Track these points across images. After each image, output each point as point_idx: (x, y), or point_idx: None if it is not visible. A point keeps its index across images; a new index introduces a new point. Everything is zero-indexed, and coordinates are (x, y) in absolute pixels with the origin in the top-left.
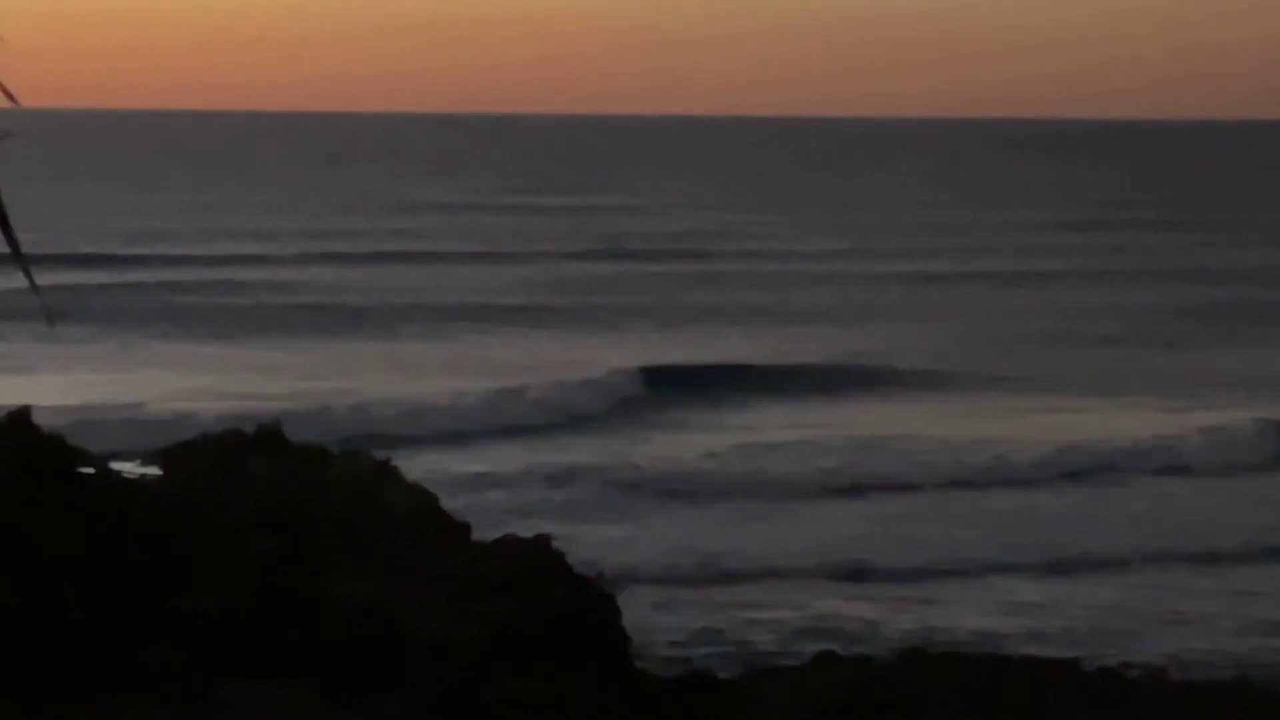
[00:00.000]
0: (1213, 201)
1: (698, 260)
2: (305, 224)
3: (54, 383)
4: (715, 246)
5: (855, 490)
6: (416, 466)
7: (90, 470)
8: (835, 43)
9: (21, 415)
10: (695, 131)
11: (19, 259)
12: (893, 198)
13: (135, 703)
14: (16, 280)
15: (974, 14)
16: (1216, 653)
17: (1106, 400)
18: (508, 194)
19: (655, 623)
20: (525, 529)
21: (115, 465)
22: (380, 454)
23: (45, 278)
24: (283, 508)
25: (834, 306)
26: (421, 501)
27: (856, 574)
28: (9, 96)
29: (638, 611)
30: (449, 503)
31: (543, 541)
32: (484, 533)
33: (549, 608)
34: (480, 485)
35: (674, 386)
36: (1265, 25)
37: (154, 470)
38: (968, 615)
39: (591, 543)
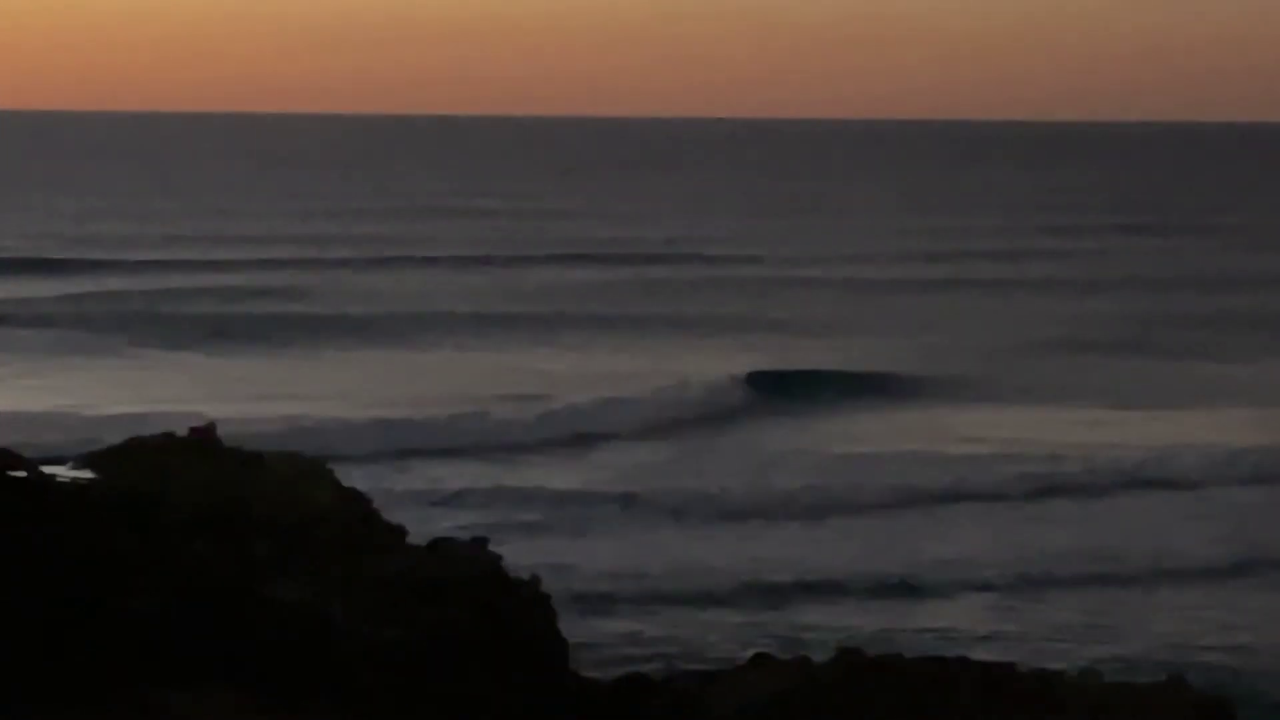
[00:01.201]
0: (1188, 204)
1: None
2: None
3: None
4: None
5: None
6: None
7: (23, 474)
8: (786, 44)
9: None
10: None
11: None
12: (881, 203)
13: (66, 706)
14: None
15: (942, 15)
16: None
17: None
18: (479, 197)
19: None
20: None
21: (49, 469)
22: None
23: None
24: (217, 511)
25: (821, 316)
26: (355, 505)
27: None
28: None
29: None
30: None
31: (479, 545)
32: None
33: (484, 612)
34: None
35: (776, 391)
36: (1226, 26)
37: (88, 474)
38: None
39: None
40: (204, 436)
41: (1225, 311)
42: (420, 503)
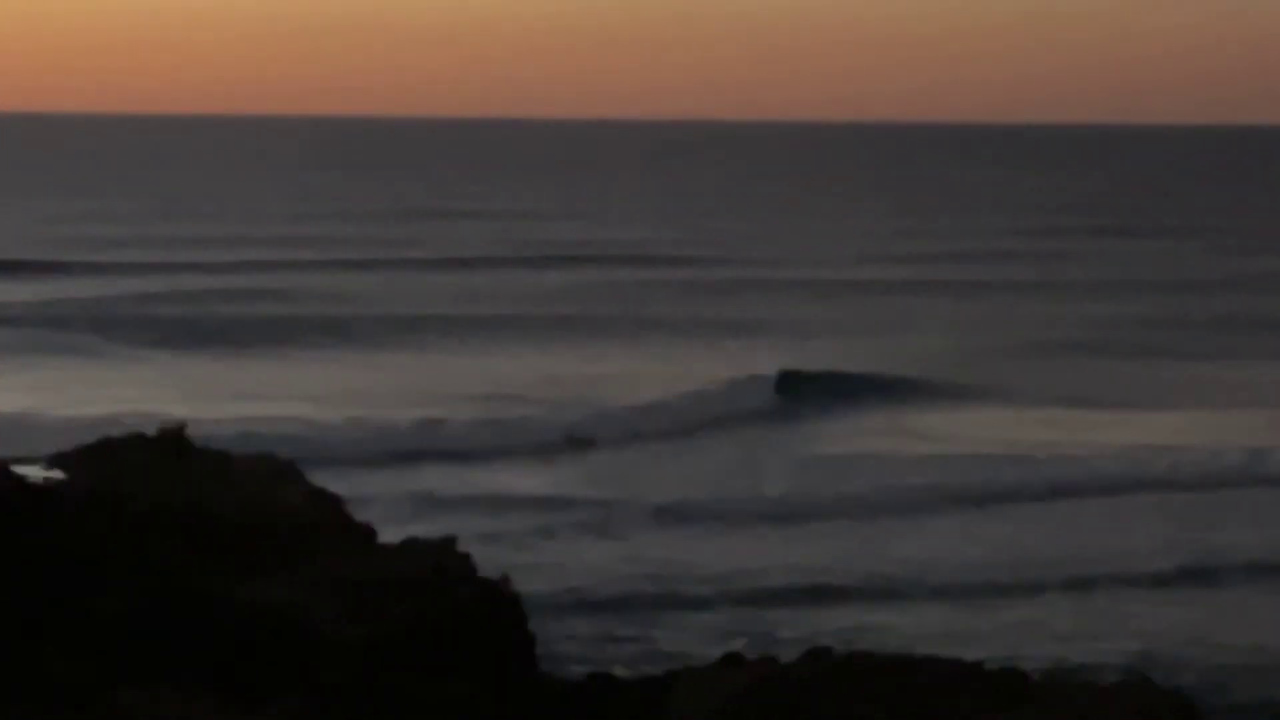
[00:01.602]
0: (1161, 208)
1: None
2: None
3: None
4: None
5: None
6: None
7: None
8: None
9: None
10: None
11: None
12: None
13: (34, 706)
14: None
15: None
16: None
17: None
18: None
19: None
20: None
21: (18, 469)
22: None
23: None
24: (186, 511)
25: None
26: (324, 504)
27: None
28: None
29: None
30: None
31: (448, 544)
32: None
33: (452, 610)
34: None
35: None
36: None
37: (57, 474)
38: None
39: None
40: (174, 437)
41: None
42: (441, 509)
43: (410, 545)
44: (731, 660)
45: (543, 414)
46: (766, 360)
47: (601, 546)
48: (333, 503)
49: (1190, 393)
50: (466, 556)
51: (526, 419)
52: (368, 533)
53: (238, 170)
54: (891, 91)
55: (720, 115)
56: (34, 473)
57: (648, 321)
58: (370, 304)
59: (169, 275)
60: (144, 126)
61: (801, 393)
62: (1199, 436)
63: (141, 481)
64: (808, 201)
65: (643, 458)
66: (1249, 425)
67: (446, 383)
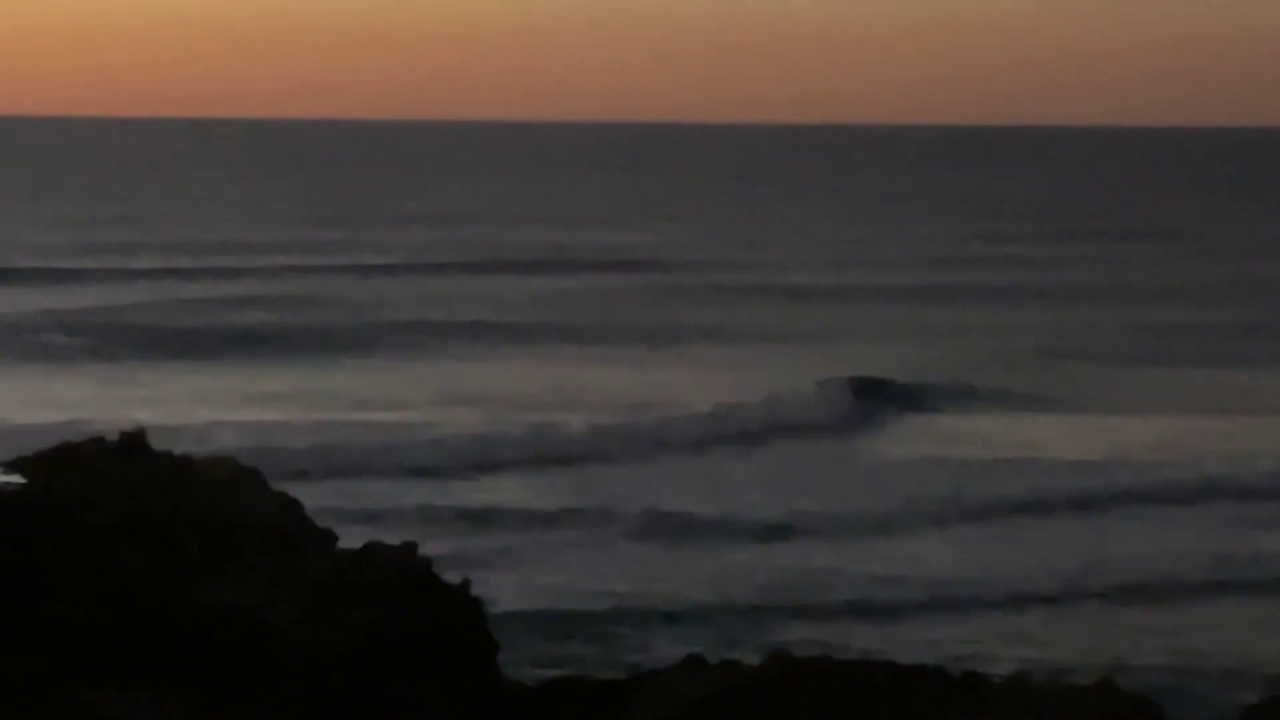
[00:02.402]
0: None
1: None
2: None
3: None
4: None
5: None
6: None
7: None
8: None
9: None
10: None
11: None
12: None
13: None
14: None
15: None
16: None
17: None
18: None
19: None
20: None
21: None
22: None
23: None
24: (146, 515)
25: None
26: (286, 509)
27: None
28: None
29: None
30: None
31: (409, 549)
32: None
33: (414, 615)
34: None
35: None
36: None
37: (16, 478)
38: None
39: None
40: (134, 441)
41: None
42: (527, 519)
43: (371, 550)
44: (693, 663)
45: (632, 420)
46: (823, 367)
47: (721, 555)
48: (293, 507)
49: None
50: (428, 561)
51: (627, 425)
52: (329, 537)
53: (218, 174)
54: (859, 92)
55: (704, 118)
56: None
57: (691, 329)
58: (418, 309)
59: (142, 283)
60: (118, 130)
61: (878, 399)
62: None
63: (100, 485)
64: (799, 206)
65: (736, 463)
66: None
67: (517, 389)
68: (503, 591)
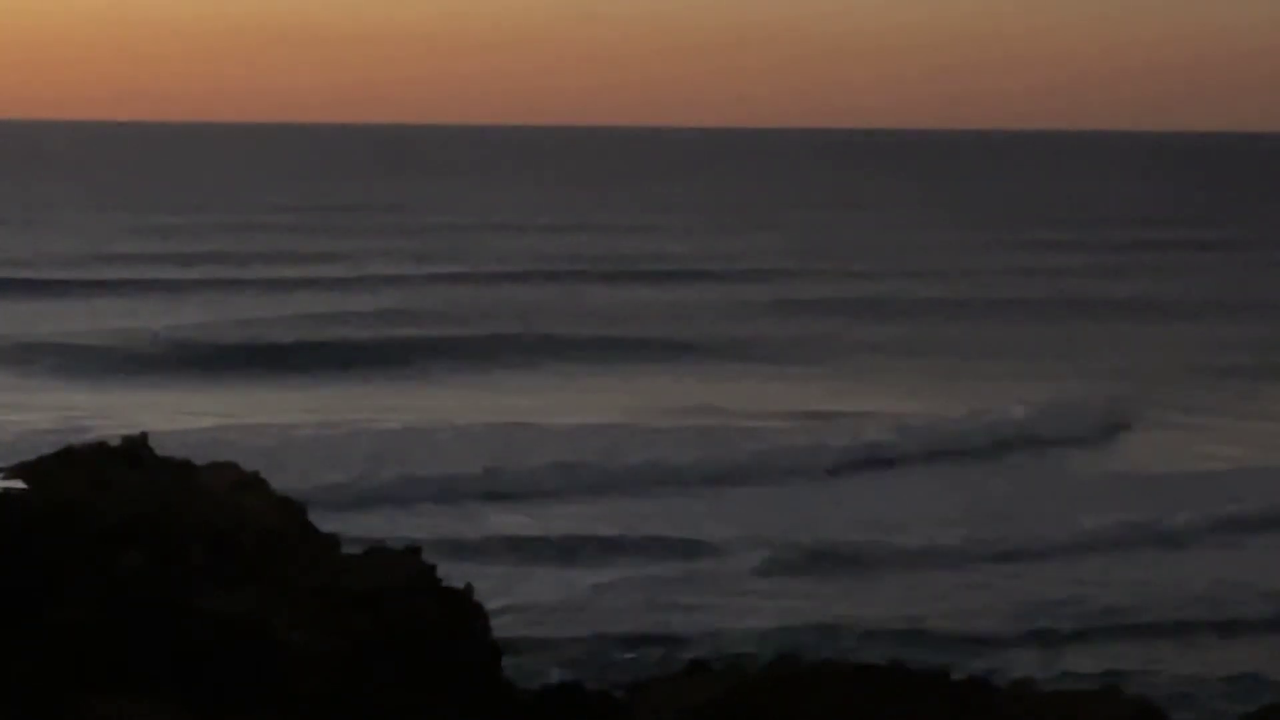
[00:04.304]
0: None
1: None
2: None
3: None
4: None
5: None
6: None
7: None
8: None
9: None
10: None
11: None
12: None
13: None
14: None
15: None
16: None
17: None
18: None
19: None
20: None
21: None
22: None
23: None
24: (149, 521)
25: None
26: (289, 514)
27: None
28: None
29: None
30: None
31: (413, 554)
32: None
33: (417, 620)
34: None
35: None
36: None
37: (19, 484)
38: None
39: None
40: (137, 446)
41: None
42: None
43: (374, 555)
44: (697, 668)
45: (842, 430)
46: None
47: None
48: (297, 512)
49: None
50: (431, 566)
51: (822, 438)
52: (332, 542)
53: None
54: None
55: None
56: None
57: (851, 344)
58: (589, 321)
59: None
60: (97, 133)
61: (1103, 412)
62: None
63: (104, 491)
64: (864, 213)
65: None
66: None
67: (724, 404)
68: None
